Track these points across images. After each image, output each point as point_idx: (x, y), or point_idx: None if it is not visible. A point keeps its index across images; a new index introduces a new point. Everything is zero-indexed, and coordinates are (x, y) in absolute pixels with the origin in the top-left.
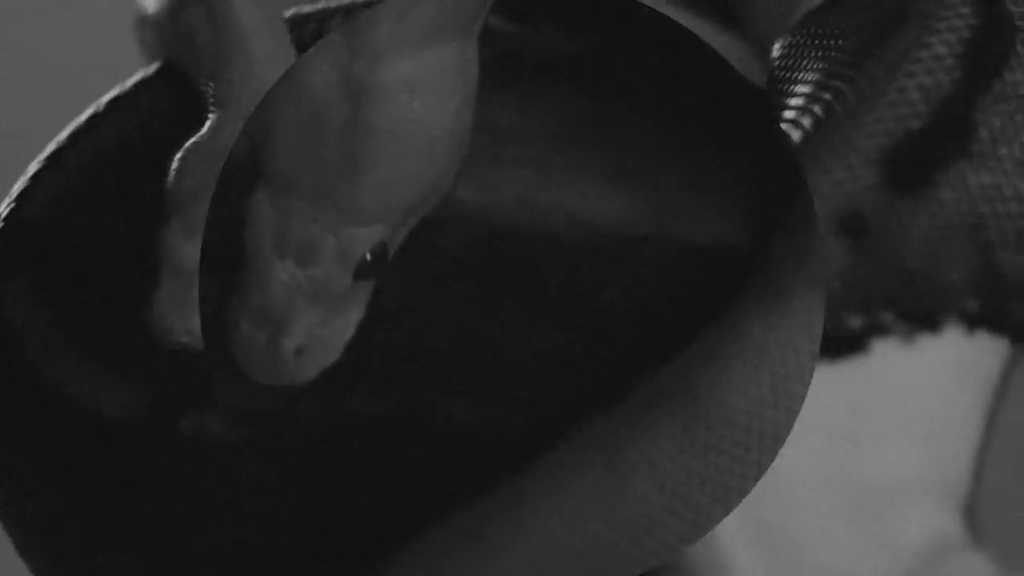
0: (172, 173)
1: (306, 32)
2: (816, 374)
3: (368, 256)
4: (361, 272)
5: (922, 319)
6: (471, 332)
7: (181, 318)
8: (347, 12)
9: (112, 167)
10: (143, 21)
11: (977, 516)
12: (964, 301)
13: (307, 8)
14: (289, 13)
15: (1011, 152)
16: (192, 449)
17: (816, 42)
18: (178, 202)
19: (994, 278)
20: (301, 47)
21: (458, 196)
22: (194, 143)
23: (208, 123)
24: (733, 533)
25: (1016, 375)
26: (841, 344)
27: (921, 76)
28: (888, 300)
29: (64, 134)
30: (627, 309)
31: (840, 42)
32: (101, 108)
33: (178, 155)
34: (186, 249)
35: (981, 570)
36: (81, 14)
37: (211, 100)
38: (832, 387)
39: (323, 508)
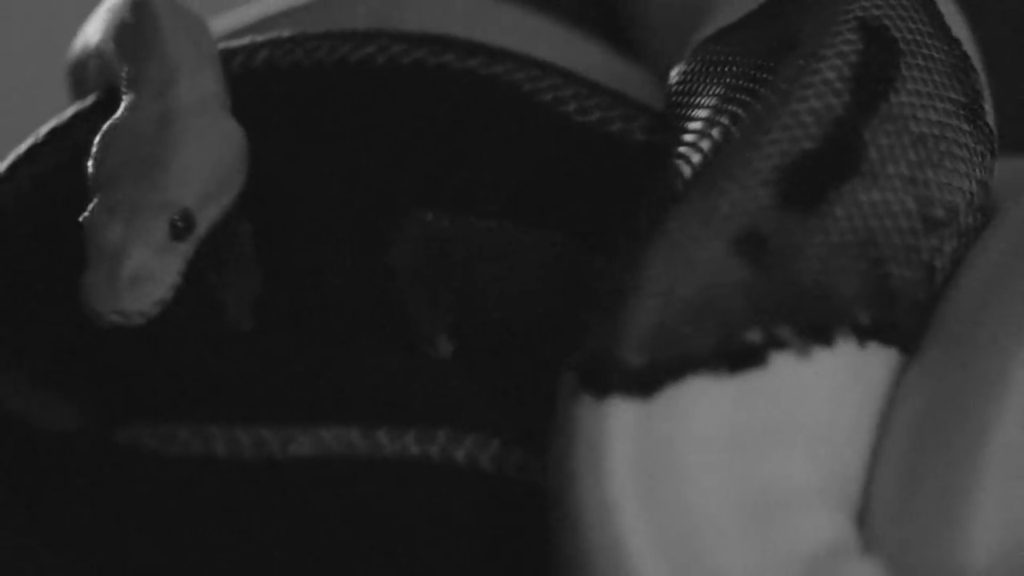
0: (92, 156)
1: (235, 64)
2: (717, 387)
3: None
4: (174, 231)
5: (817, 333)
6: None
7: (109, 298)
8: (273, 46)
9: (50, 194)
10: (86, 55)
11: (868, 522)
12: (856, 315)
13: (235, 43)
14: (220, 47)
15: (898, 170)
16: (131, 461)
17: (712, 69)
18: (100, 184)
19: (884, 291)
20: (231, 78)
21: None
22: (112, 125)
23: (124, 104)
24: (638, 539)
25: (906, 382)
26: (740, 358)
27: (812, 100)
28: (785, 315)
29: (2, 165)
30: None
31: (735, 68)
32: (40, 139)
33: (97, 138)
34: (110, 230)
35: None
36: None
37: (125, 83)
38: (732, 399)
39: (278, 518)
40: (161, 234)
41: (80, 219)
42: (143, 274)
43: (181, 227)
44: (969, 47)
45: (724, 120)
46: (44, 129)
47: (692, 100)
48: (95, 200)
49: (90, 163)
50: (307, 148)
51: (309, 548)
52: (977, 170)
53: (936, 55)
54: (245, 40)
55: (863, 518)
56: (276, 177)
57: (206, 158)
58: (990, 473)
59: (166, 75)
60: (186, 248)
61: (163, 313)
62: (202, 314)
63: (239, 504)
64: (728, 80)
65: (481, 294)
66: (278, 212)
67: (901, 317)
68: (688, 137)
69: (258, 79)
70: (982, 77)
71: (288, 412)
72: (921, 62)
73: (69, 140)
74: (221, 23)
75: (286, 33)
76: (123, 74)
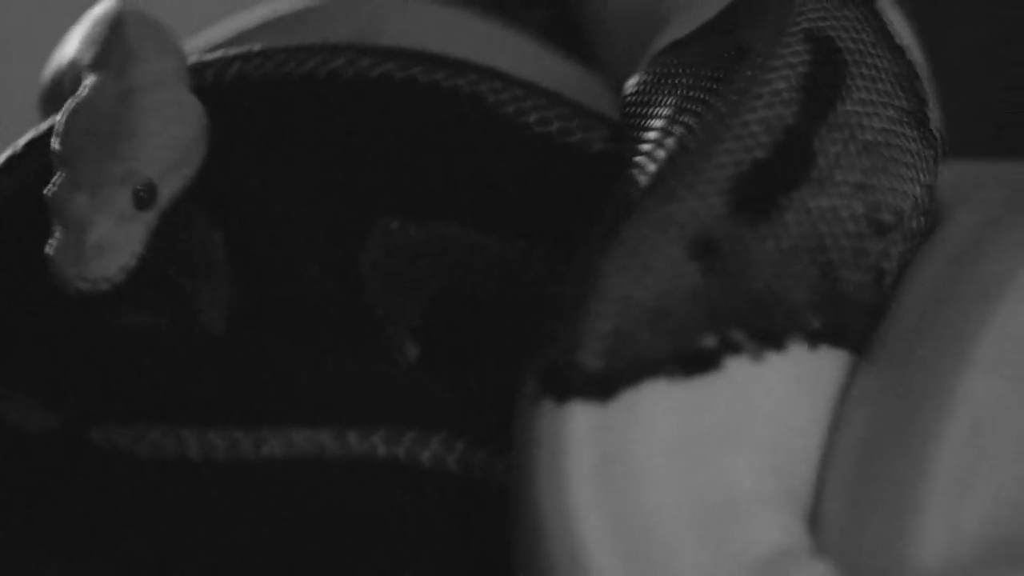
0: (57, 132)
1: (206, 77)
2: (673, 391)
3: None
4: (137, 201)
5: (769, 337)
6: None
7: (76, 266)
8: (244, 59)
9: (29, 201)
10: (60, 73)
11: (819, 526)
12: (807, 319)
13: (208, 56)
14: (191, 60)
15: (846, 177)
16: (106, 462)
17: (666, 80)
18: (65, 158)
19: (834, 295)
20: (200, 91)
21: None
22: (76, 103)
23: (87, 83)
24: (596, 540)
25: (857, 387)
26: (696, 362)
27: (762, 110)
28: (739, 320)
29: None
30: None
31: (688, 80)
32: (18, 149)
33: (61, 115)
34: (75, 201)
35: None
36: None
37: (88, 65)
38: (688, 403)
39: (249, 518)
40: (125, 204)
41: (45, 192)
42: (108, 242)
43: (144, 197)
44: (914, 55)
45: (678, 130)
46: (22, 140)
47: (647, 110)
48: (60, 174)
49: (54, 139)
50: (277, 158)
51: (279, 548)
52: (923, 175)
53: (881, 64)
54: (217, 54)
55: (814, 521)
56: (247, 187)
57: (167, 130)
58: (937, 484)
59: (126, 56)
60: (149, 217)
61: (138, 317)
62: (176, 318)
63: (212, 504)
64: (681, 91)
65: (446, 299)
66: (249, 220)
67: (851, 320)
68: (644, 146)
69: (230, 92)
70: (927, 84)
71: (260, 414)
72: (867, 71)
73: (47, 150)
74: (206, 35)
75: (257, 47)
76: (87, 54)
